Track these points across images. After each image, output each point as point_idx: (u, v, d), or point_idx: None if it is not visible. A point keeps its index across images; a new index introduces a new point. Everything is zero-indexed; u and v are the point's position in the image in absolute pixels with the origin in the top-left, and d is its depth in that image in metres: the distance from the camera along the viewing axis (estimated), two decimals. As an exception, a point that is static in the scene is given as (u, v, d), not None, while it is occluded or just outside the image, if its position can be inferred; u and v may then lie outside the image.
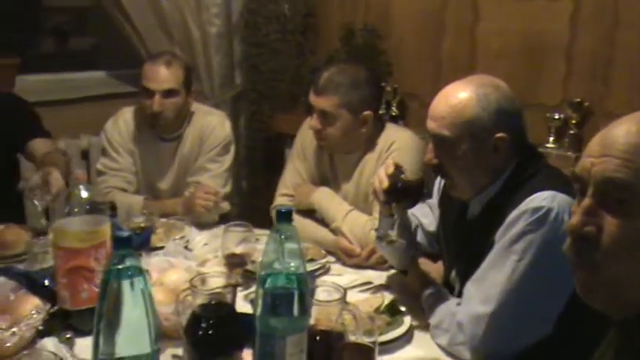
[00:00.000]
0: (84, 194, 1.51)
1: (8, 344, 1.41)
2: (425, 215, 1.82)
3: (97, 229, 1.51)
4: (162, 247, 1.89)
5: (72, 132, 3.13)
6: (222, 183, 2.36)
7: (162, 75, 2.25)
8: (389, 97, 2.97)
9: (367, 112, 2.05)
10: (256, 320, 1.25)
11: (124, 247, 1.09)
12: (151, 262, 1.72)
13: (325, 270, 1.92)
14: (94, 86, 3.27)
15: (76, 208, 1.48)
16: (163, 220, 2.09)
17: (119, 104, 2.52)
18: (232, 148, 2.43)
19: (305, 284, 1.27)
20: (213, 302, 1.32)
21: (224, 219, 2.33)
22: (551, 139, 2.67)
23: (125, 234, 1.10)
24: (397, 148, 2.05)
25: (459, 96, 1.48)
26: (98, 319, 1.10)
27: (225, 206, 2.36)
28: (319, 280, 1.79)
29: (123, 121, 2.37)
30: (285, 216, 1.26)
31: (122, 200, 2.24)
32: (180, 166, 2.39)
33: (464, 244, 1.62)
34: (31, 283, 1.56)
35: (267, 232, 1.33)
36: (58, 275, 1.51)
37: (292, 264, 1.26)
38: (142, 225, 1.95)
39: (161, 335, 1.46)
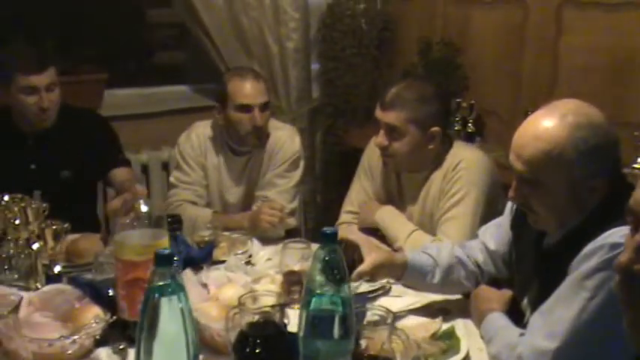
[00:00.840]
0: (144, 208, 1.54)
1: (69, 352, 1.47)
2: (492, 236, 1.74)
3: (155, 243, 1.54)
4: (224, 262, 1.91)
5: (154, 144, 3.24)
6: (290, 198, 2.37)
7: (257, 89, 2.30)
8: (465, 113, 2.90)
9: (435, 129, 2.01)
10: (299, 342, 1.23)
11: (165, 264, 1.11)
12: (210, 276, 1.74)
13: (386, 291, 1.88)
14: (179, 100, 3.38)
15: (135, 221, 1.53)
16: (227, 233, 2.12)
17: (203, 117, 2.56)
18: (301, 164, 2.44)
19: (349, 307, 1.25)
20: (261, 321, 1.33)
21: (290, 234, 2.34)
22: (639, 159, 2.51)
23: (166, 252, 1.12)
24: (464, 167, 1.99)
25: (550, 137, 1.35)
26: (139, 332, 1.12)
27: (292, 222, 2.36)
28: (377, 302, 1.76)
29: (195, 135, 2.42)
30: (330, 237, 1.24)
31: (191, 213, 2.29)
32: (249, 181, 2.41)
33: (537, 272, 1.53)
34: (95, 293, 1.61)
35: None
36: (117, 286, 1.55)
37: (336, 286, 1.24)
38: (206, 239, 1.98)
39: (213, 350, 1.50)
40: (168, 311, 1.08)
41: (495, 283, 1.76)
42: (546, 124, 1.36)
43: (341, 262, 1.25)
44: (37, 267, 1.76)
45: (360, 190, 2.21)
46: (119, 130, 2.98)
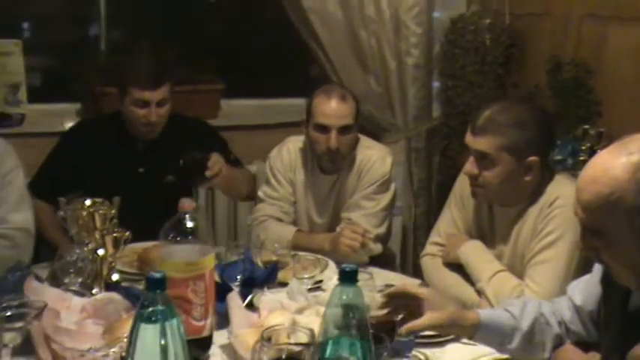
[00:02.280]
0: (189, 224, 1.49)
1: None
2: (580, 291, 1.48)
3: (197, 261, 1.48)
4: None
5: (265, 156, 3.23)
6: (377, 223, 2.22)
7: (339, 111, 2.18)
8: (592, 141, 2.57)
9: (533, 158, 1.77)
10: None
11: (153, 288, 1.03)
12: (263, 299, 1.65)
13: (457, 336, 1.68)
14: (294, 113, 3.34)
15: (179, 237, 1.48)
16: (302, 254, 2.02)
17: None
18: (392, 187, 2.29)
19: (369, 353, 1.10)
20: (284, 357, 1.22)
21: (376, 261, 2.19)
22: None
23: (157, 275, 1.04)
24: (561, 205, 1.73)
25: (609, 180, 1.14)
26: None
27: (377, 248, 2.21)
28: (444, 349, 1.58)
29: (287, 151, 2.36)
30: (349, 276, 1.09)
31: (274, 230, 2.23)
32: (337, 201, 2.30)
33: (622, 336, 1.28)
34: (142, 305, 1.58)
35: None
36: (159, 302, 1.51)
37: (355, 330, 1.10)
38: (274, 258, 1.89)
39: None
40: (145, 339, 1.00)
41: (582, 343, 1.51)
42: (607, 164, 1.13)
43: (362, 303, 1.11)
44: (101, 273, 1.77)
45: (449, 221, 2.02)
46: (233, 140, 3.03)
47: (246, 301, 1.68)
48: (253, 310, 1.65)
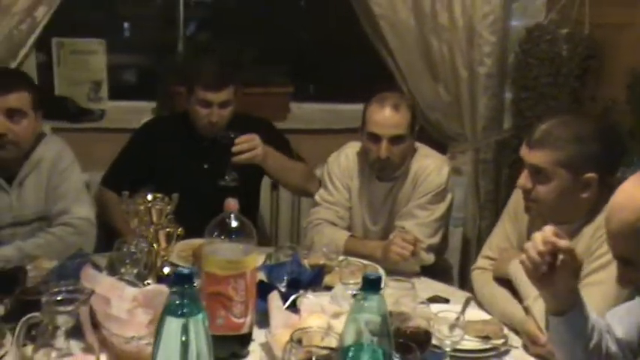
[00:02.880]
0: (233, 223, 1.53)
1: (145, 352, 1.50)
2: (620, 320, 1.42)
3: (239, 260, 1.53)
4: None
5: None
6: (430, 233, 2.20)
7: (391, 120, 2.18)
8: (667, 162, 2.44)
9: (591, 175, 1.71)
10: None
11: (180, 283, 1.07)
12: (304, 302, 1.68)
13: (499, 353, 1.65)
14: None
15: (223, 235, 1.52)
16: (352, 260, 2.03)
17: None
18: (448, 198, 2.26)
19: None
20: None
21: (429, 272, 2.18)
22: None
23: (185, 271, 1.08)
24: (616, 224, 1.65)
25: (636, 206, 1.11)
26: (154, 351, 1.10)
27: (429, 258, 2.19)
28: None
29: (345, 156, 2.38)
30: (372, 284, 1.10)
31: (328, 234, 2.25)
32: (392, 209, 2.30)
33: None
34: (187, 299, 1.64)
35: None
36: (201, 297, 1.56)
37: (376, 338, 1.11)
38: (321, 262, 1.91)
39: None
40: (169, 332, 1.04)
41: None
42: (632, 192, 1.09)
43: (384, 312, 1.11)
44: (156, 265, 1.85)
45: (502, 235, 1.97)
46: (300, 143, 3.08)
47: (288, 302, 1.71)
48: (296, 311, 1.68)
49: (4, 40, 2.67)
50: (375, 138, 2.19)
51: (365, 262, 2.06)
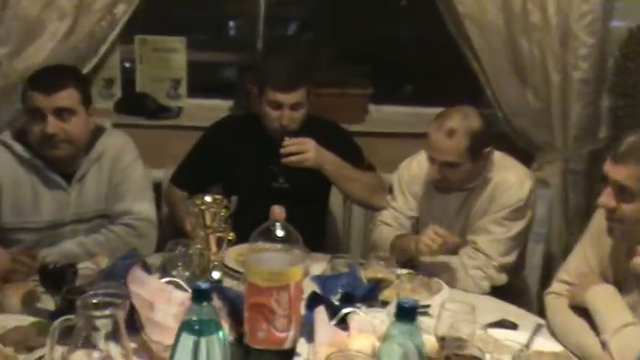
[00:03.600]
0: (279, 232, 1.45)
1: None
2: None
3: (283, 271, 1.44)
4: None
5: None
6: (503, 251, 2.03)
7: (442, 146, 2.02)
8: None
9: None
10: None
11: (198, 299, 1.00)
12: (355, 318, 1.58)
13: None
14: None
15: (268, 244, 1.45)
16: (418, 276, 1.91)
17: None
18: (528, 215, 2.08)
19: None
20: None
21: (502, 293, 2.01)
22: None
23: (203, 286, 1.01)
24: None
25: None
26: None
27: (500, 278, 2.02)
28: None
29: (417, 163, 2.25)
30: (406, 312, 0.98)
31: (383, 233, 2.22)
32: (465, 222, 2.14)
33: None
34: (232, 309, 1.57)
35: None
36: (245, 308, 1.49)
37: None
38: (379, 276, 1.80)
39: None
40: (184, 348, 0.97)
41: None
42: None
43: (417, 341, 0.99)
44: (207, 269, 1.80)
45: (582, 258, 1.78)
46: (377, 147, 2.97)
47: (337, 318, 1.61)
48: (346, 327, 1.58)
49: (85, 37, 2.72)
50: (431, 158, 2.08)
51: (429, 278, 1.93)
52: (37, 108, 2.01)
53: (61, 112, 2.02)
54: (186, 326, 0.99)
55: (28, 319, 1.62)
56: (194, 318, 0.99)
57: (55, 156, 2.07)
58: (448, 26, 2.91)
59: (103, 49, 2.81)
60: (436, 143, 2.03)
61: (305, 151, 2.28)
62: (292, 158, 2.27)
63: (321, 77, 3.04)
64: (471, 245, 2.05)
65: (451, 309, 1.49)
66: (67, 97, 2.03)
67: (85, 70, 2.79)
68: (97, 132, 2.18)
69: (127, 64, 3.16)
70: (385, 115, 3.28)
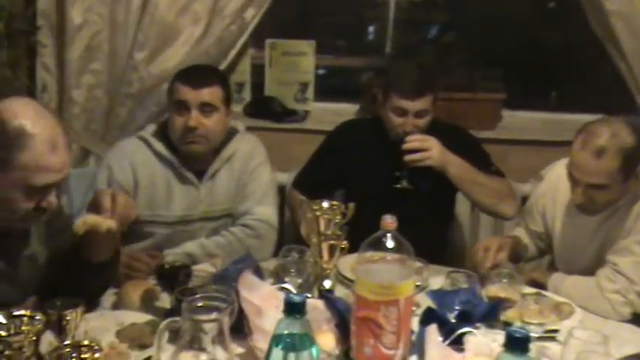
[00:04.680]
0: (390, 244, 1.36)
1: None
2: None
3: (393, 285, 1.36)
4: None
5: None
6: (646, 275, 1.81)
7: (588, 168, 1.80)
8: None
9: None
10: None
11: (290, 312, 0.94)
12: (471, 340, 1.46)
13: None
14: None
15: (377, 256, 1.36)
16: (549, 295, 1.74)
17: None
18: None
19: None
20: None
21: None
22: None
23: (296, 299, 0.95)
24: None
25: None
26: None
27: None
28: None
29: (556, 176, 2.06)
30: (516, 343, 0.87)
31: None
32: (602, 243, 1.93)
33: None
34: (341, 321, 1.51)
35: None
36: (351, 321, 1.42)
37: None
38: (501, 294, 1.66)
39: None
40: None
41: None
42: None
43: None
44: (321, 277, 1.75)
45: None
46: (508, 155, 2.81)
47: (452, 337, 1.49)
48: (461, 349, 1.46)
49: (215, 42, 2.78)
50: (574, 179, 1.87)
51: (560, 298, 1.76)
52: (183, 100, 2.09)
53: (205, 108, 2.09)
54: (277, 340, 0.94)
55: (145, 317, 1.65)
56: (285, 332, 0.93)
57: (192, 152, 2.13)
58: (593, 27, 2.67)
59: (233, 53, 2.87)
60: (581, 163, 1.82)
61: (428, 148, 2.18)
62: (415, 156, 2.18)
63: (453, 81, 2.92)
64: (611, 267, 1.84)
65: (580, 337, 1.33)
66: (212, 93, 2.10)
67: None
68: (231, 133, 2.24)
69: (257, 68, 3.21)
70: (519, 121, 3.09)
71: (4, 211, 1.50)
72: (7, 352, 1.13)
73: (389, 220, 1.37)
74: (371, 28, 3.66)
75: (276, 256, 2.10)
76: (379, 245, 1.37)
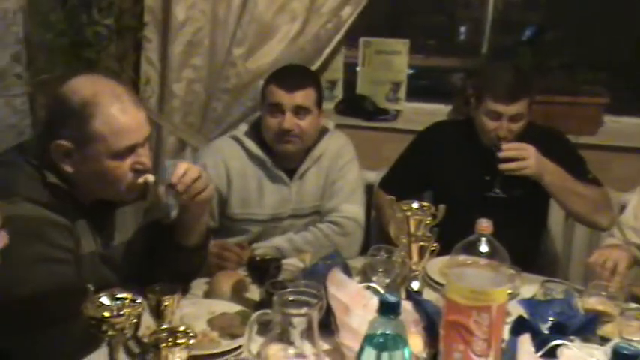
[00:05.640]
0: (483, 248, 1.33)
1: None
2: None
3: (485, 291, 1.32)
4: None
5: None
6: None
7: None
8: None
9: None
10: None
11: (385, 312, 0.94)
12: (565, 352, 1.41)
13: None
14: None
15: (471, 260, 1.33)
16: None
17: None
18: None
19: None
20: None
21: None
22: None
23: (392, 299, 0.94)
24: None
25: None
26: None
27: None
28: None
29: None
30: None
31: None
32: None
33: None
34: (429, 324, 1.50)
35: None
36: (441, 324, 1.40)
37: None
38: (598, 307, 1.59)
39: None
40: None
41: None
42: None
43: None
44: (408, 278, 1.74)
45: None
46: (610, 162, 2.70)
47: (545, 349, 1.44)
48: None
49: (311, 40, 2.81)
50: None
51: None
52: (277, 103, 2.12)
53: (299, 110, 2.12)
54: (369, 339, 0.94)
55: (235, 307, 1.69)
56: (378, 331, 0.93)
57: (286, 152, 2.17)
58: None
59: (328, 51, 2.89)
60: None
61: (525, 157, 2.11)
62: (511, 165, 2.11)
63: (552, 84, 2.82)
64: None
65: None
66: (306, 96, 2.13)
67: (310, 72, 2.89)
68: (322, 132, 2.26)
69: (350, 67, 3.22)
70: (623, 126, 2.95)
71: (109, 188, 1.56)
72: (110, 332, 1.19)
73: (484, 224, 1.34)
74: (462, 29, 3.60)
75: (363, 254, 2.13)
76: (473, 249, 1.34)
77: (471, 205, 2.01)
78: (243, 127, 2.27)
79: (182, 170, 1.61)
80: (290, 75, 2.19)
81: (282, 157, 2.20)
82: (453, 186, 2.31)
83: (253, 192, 2.21)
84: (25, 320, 1.34)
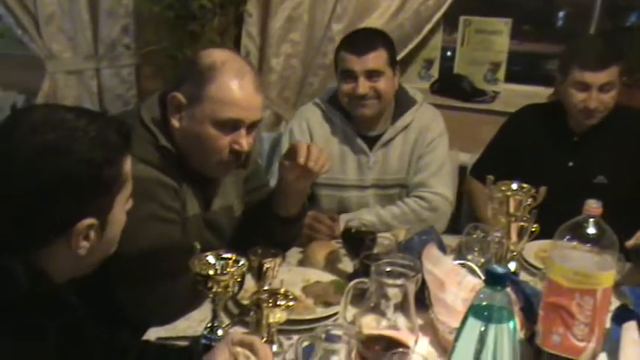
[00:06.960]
0: (590, 230, 1.29)
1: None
2: None
3: (588, 273, 1.29)
4: None
5: None
6: None
7: None
8: None
9: None
10: None
11: (493, 284, 0.93)
12: (672, 344, 1.35)
13: None
14: None
15: (576, 241, 1.29)
16: None
17: None
18: None
19: None
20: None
21: None
22: None
23: (500, 271, 0.93)
24: None
25: None
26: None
27: None
28: None
29: None
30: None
31: None
32: None
33: None
34: (527, 306, 1.47)
35: None
36: (540, 305, 1.37)
37: None
38: None
39: None
40: (468, 333, 0.92)
41: None
42: None
43: None
44: (504, 258, 1.71)
45: None
46: None
47: (649, 338, 1.39)
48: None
49: (411, 16, 2.78)
50: None
51: None
52: (349, 69, 2.13)
53: (372, 74, 2.12)
54: (475, 310, 0.93)
55: (329, 277, 1.72)
56: (484, 303, 0.92)
57: (363, 116, 2.18)
58: None
59: (427, 28, 2.85)
60: None
61: None
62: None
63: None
64: None
65: None
66: (377, 58, 2.12)
67: (407, 50, 2.87)
68: (408, 103, 2.24)
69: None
70: None
71: (204, 156, 1.59)
72: (215, 289, 1.24)
73: (594, 205, 1.30)
74: (561, 14, 3.46)
75: (450, 231, 2.12)
76: (579, 231, 1.31)
77: (571, 189, 1.95)
78: (327, 94, 2.31)
79: (304, 149, 1.63)
80: (359, 38, 2.17)
81: (361, 122, 2.21)
82: (537, 171, 2.21)
83: (336, 157, 2.23)
84: (136, 274, 1.41)
